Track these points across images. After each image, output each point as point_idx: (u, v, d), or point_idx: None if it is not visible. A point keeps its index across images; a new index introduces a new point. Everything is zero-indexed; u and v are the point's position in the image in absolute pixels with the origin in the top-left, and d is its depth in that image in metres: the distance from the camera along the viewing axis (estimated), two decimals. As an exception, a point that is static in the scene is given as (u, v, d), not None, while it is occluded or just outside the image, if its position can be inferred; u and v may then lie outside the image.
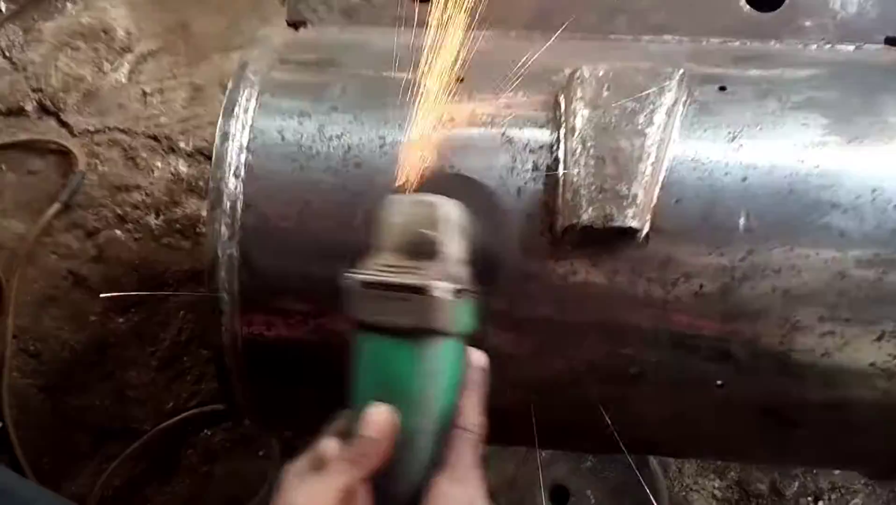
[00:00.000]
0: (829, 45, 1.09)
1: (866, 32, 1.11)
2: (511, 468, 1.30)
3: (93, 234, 1.63)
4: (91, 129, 1.69)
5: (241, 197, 0.95)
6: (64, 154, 1.67)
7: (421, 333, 0.71)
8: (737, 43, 1.09)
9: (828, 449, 1.01)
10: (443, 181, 0.89)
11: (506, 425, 0.99)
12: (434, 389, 0.73)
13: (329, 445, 0.72)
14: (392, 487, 0.72)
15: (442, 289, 0.71)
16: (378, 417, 0.70)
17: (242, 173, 0.96)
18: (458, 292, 0.73)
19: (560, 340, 0.93)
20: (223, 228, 0.95)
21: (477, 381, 0.77)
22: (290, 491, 0.69)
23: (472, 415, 0.75)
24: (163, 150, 1.66)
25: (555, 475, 1.30)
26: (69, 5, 1.76)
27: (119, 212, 1.64)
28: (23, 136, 1.69)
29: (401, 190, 0.85)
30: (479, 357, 0.77)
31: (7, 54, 1.74)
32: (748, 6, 1.12)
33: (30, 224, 1.62)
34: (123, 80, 1.72)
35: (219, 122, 0.99)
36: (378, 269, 0.74)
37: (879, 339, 0.89)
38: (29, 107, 1.71)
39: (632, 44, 1.10)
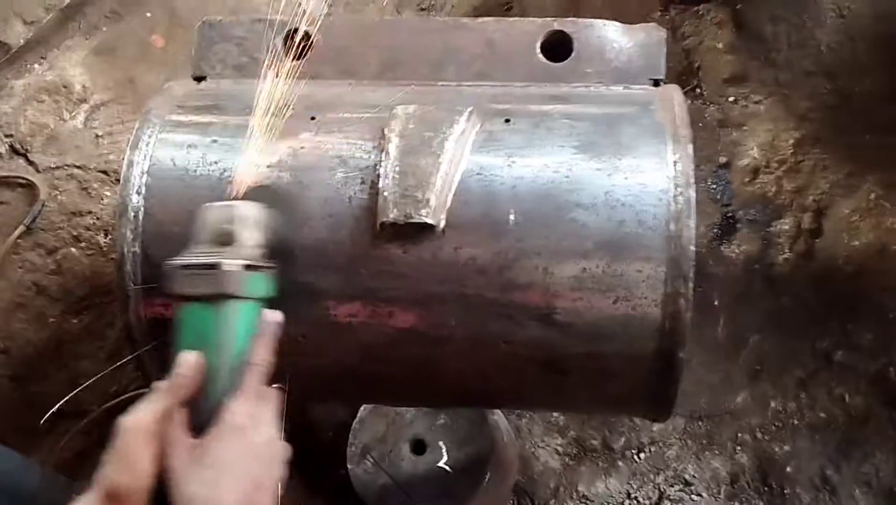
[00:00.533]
0: (604, 87, 1.28)
1: (635, 76, 1.27)
2: (382, 427, 1.47)
3: (53, 251, 1.80)
4: (53, 165, 1.86)
5: (141, 208, 1.13)
6: (30, 187, 1.83)
7: (217, 297, 0.89)
8: (533, 87, 1.28)
9: (596, 393, 1.17)
10: (256, 191, 1.06)
11: (348, 382, 1.20)
12: (229, 338, 0.90)
13: (157, 384, 0.88)
14: (200, 408, 0.88)
15: (231, 265, 0.90)
16: (187, 359, 0.88)
17: (143, 191, 1.13)
18: (246, 267, 0.91)
19: (385, 310, 1.10)
20: (128, 232, 1.12)
21: (268, 331, 0.93)
22: (124, 416, 0.84)
23: (261, 354, 0.92)
24: (111, 181, 1.83)
25: (415, 431, 1.46)
26: (36, 66, 1.94)
27: (74, 233, 1.81)
28: (-4, 173, 1.85)
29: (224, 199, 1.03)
30: (272, 314, 0.94)
31: (-16, 108, 1.92)
32: (544, 58, 1.29)
33: (0, 245, 1.80)
34: (80, 126, 1.90)
35: (126, 154, 1.15)
36: (190, 255, 0.93)
37: (615, 302, 1.07)
38: (2, 149, 1.87)
39: (454, 89, 1.26)
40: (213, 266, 0.90)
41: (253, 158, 1.08)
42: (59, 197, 1.85)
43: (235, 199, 1.03)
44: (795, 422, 1.65)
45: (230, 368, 0.90)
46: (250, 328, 0.93)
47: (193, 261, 0.91)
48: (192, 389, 0.88)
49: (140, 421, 0.84)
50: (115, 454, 0.83)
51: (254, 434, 0.88)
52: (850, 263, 1.70)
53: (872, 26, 1.77)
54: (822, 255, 1.71)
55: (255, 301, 0.93)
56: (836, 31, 1.79)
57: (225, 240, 0.93)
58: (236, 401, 0.88)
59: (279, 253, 1.00)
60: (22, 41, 1.95)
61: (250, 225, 0.96)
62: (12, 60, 1.95)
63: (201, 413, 0.88)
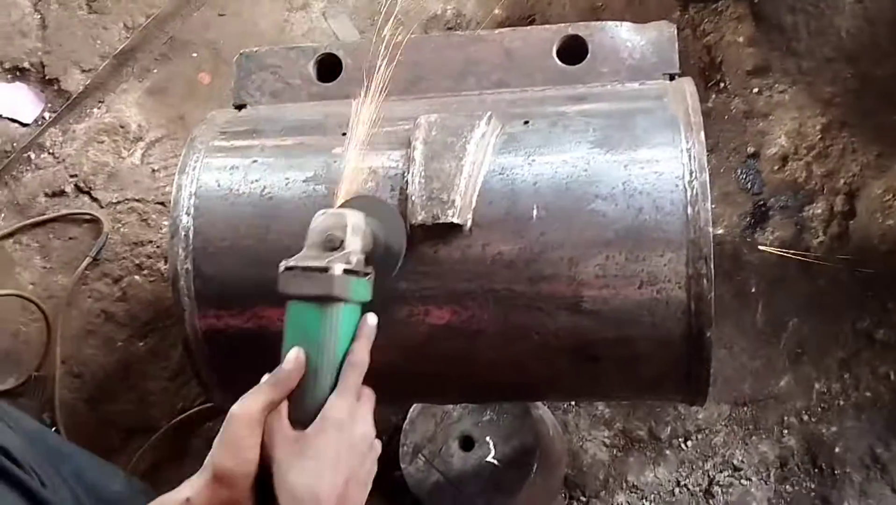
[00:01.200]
0: (620, 85, 1.31)
1: (649, 72, 1.30)
2: (431, 427, 1.51)
3: (118, 280, 1.88)
4: (114, 200, 1.94)
5: (191, 228, 1.20)
6: (95, 221, 1.92)
7: (323, 299, 0.93)
8: (551, 90, 1.31)
9: (629, 378, 1.18)
10: (359, 200, 1.11)
11: (392, 381, 1.23)
12: (332, 337, 0.93)
13: (263, 378, 0.93)
14: (301, 402, 0.92)
15: (338, 268, 0.93)
16: (292, 355, 0.91)
17: (192, 211, 1.21)
18: (351, 272, 0.95)
19: (419, 308, 1.14)
20: (180, 251, 1.19)
21: (366, 332, 0.97)
22: (233, 406, 0.89)
23: (359, 354, 0.95)
24: (168, 212, 1.94)
25: (463, 428, 1.49)
26: (95, 110, 2.03)
27: (137, 262, 1.89)
28: (64, 211, 1.94)
29: (329, 206, 1.07)
30: (371, 317, 0.98)
31: (51, 151, 2.00)
32: (560, 62, 1.33)
33: (70, 276, 1.89)
34: (137, 162, 1.97)
35: (175, 178, 1.24)
36: (299, 259, 0.96)
37: (640, 287, 1.09)
38: (68, 189, 1.96)
39: (475, 97, 1.31)
40: (320, 269, 0.94)
41: (356, 168, 1.12)
42: (121, 229, 1.93)
43: (341, 207, 1.07)
44: (841, 402, 1.63)
45: (331, 365, 0.94)
46: (351, 330, 0.96)
47: (304, 263, 0.95)
48: (295, 383, 0.92)
49: (247, 410, 0.88)
50: (223, 440, 0.88)
51: (352, 429, 0.91)
52: (884, 242, 1.68)
53: (891, 9, 1.75)
54: (857, 236, 1.70)
55: (357, 304, 0.97)
56: (854, 17, 1.78)
57: (333, 245, 0.97)
58: (338, 398, 0.92)
59: (380, 260, 1.05)
60: (81, 87, 2.04)
61: (357, 232, 0.99)
62: (73, 106, 2.04)
63: (303, 408, 0.92)
